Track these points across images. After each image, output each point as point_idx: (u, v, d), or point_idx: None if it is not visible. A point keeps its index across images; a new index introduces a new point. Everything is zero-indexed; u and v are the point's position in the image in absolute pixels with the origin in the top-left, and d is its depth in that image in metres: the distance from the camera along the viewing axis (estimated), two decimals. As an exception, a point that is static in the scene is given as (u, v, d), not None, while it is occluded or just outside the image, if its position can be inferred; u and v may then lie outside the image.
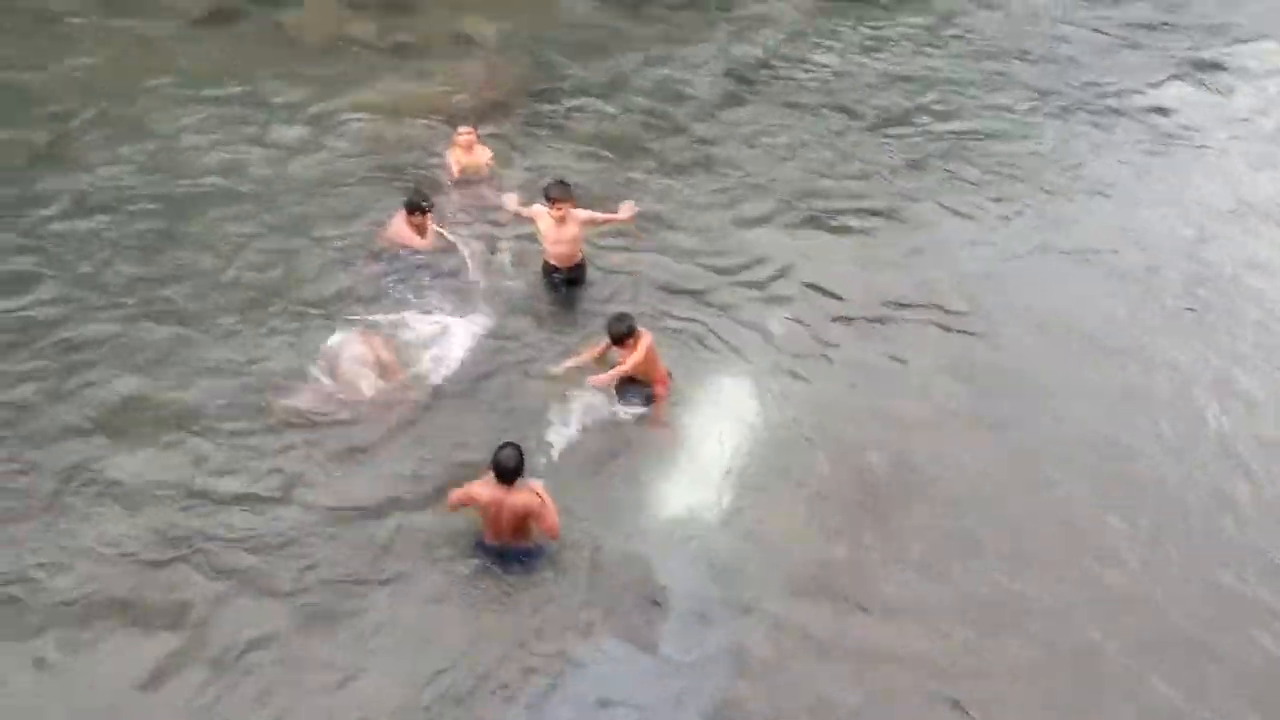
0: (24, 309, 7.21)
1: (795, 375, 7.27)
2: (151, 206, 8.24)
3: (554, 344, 7.27)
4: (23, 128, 8.96)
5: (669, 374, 6.92)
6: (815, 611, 5.78)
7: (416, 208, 7.70)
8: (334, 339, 6.92)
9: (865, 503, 6.41)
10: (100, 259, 7.70)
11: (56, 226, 7.96)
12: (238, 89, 9.61)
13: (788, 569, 6.00)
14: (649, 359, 6.68)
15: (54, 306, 7.26)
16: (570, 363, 6.95)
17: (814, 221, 8.82)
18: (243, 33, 10.49)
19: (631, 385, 6.80)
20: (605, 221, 7.65)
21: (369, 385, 6.70)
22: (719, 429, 6.80)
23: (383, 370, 6.80)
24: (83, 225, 7.99)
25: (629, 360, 6.62)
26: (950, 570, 6.04)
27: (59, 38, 10.06)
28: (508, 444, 5.61)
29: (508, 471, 5.54)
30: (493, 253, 7.96)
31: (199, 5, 10.69)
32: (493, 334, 7.28)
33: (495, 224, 8.23)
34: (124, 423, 6.49)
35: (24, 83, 9.47)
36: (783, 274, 8.17)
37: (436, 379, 6.90)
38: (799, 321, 7.73)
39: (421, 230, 7.78)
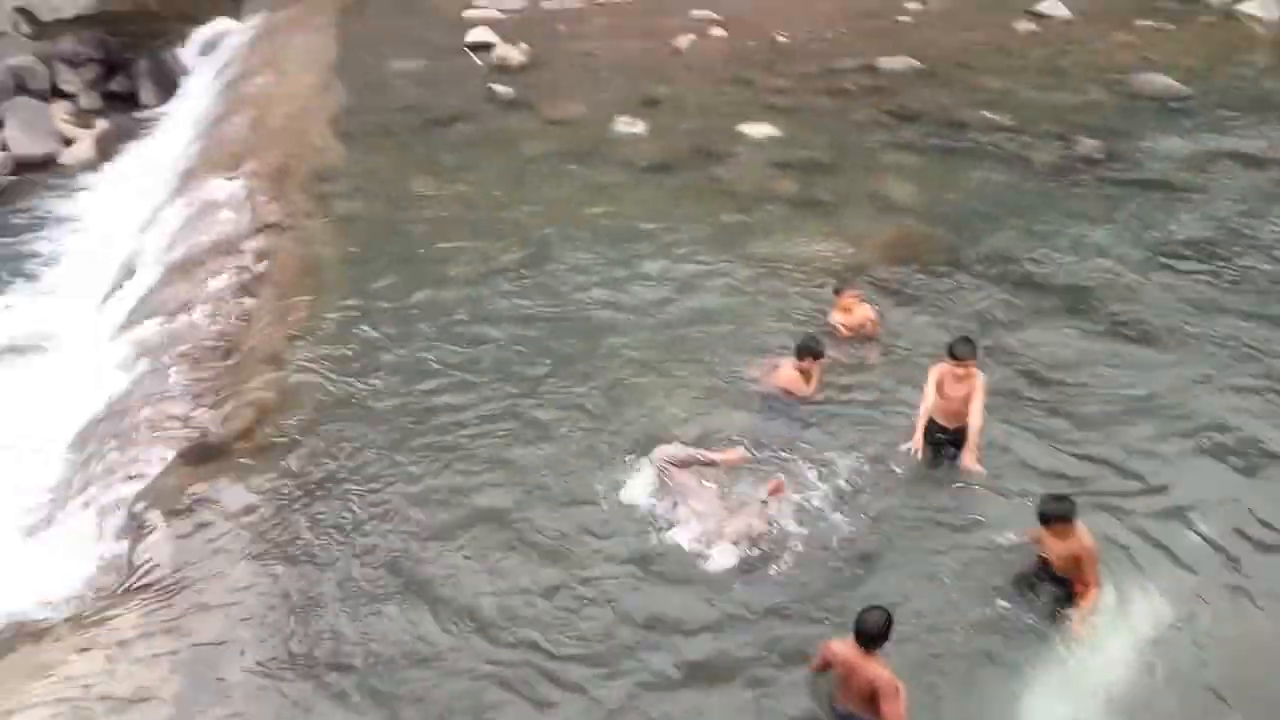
0: (418, 397, 8.01)
1: (1230, 600, 6.10)
2: (558, 326, 8.84)
3: (936, 513, 6.77)
4: (474, 244, 10.17)
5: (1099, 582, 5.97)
6: None
7: (808, 353, 7.71)
8: (705, 479, 6.90)
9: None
10: (493, 363, 8.36)
11: (466, 330, 8.82)
12: (660, 228, 10.34)
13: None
14: (1090, 554, 5.90)
15: (440, 397, 7.98)
16: (1005, 540, 6.41)
17: (1255, 398, 7.60)
18: (681, 183, 11.39)
19: (1048, 581, 6.07)
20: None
21: (737, 528, 6.56)
22: (1120, 648, 5.80)
23: (753, 516, 6.63)
24: (495, 332, 8.76)
25: (1089, 583, 5.87)
26: None
27: (531, 176, 11.67)
28: (876, 607, 5.30)
29: (869, 636, 5.21)
30: (874, 411, 7.70)
31: (647, 157, 11.87)
32: (868, 494, 6.91)
33: (875, 383, 8.03)
34: (476, 517, 6.86)
35: (494, 208, 10.93)
36: (1220, 473, 6.99)
37: (805, 532, 6.64)
38: (1240, 533, 6.53)
39: (808, 377, 7.76)
